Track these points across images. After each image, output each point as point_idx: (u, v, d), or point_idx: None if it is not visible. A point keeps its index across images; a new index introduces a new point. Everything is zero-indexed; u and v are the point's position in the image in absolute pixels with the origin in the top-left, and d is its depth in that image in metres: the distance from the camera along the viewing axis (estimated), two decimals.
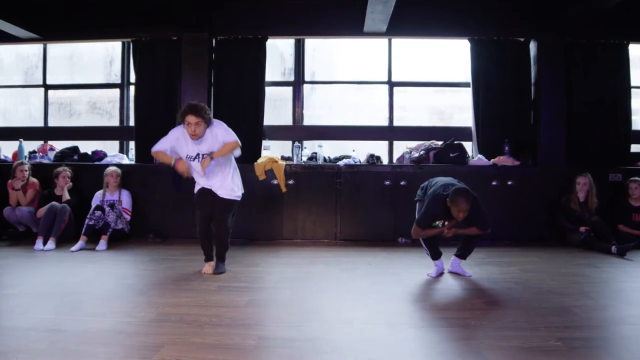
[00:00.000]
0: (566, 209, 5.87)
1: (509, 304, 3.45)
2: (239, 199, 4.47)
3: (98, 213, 5.66)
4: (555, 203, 6.01)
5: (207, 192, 4.37)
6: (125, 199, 6.06)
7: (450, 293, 3.78)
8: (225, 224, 4.39)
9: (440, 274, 4.29)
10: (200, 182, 4.41)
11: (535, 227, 6.12)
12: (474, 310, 3.30)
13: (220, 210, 4.36)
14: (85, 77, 7.18)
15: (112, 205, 5.75)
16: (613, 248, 5.21)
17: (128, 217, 6.03)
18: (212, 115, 4.32)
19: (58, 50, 7.19)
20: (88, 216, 5.63)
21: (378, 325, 2.97)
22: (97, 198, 6.01)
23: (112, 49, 7.09)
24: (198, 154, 4.24)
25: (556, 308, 3.33)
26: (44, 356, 2.42)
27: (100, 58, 7.17)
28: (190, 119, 4.07)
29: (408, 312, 3.29)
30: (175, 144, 4.27)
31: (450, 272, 4.35)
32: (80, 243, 5.45)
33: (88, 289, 3.77)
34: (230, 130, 4.28)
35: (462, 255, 4.35)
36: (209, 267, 4.40)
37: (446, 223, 4.11)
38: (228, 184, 4.38)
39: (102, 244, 5.52)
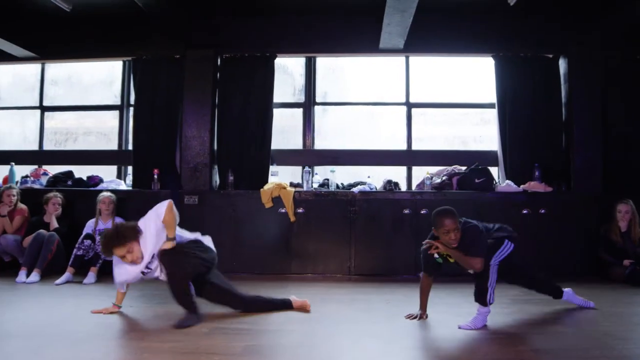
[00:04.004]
0: (607, 240, 5.28)
1: (563, 354, 2.81)
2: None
3: (88, 242, 5.17)
4: (594, 233, 5.43)
5: None
6: None
7: (489, 340, 3.13)
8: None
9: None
10: None
11: (572, 260, 5.50)
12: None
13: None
14: (85, 99, 6.79)
15: None
16: None
17: None
18: (138, 225, 3.54)
19: (56, 70, 6.84)
20: (77, 246, 5.15)
21: None
22: (88, 227, 5.49)
23: (113, 69, 6.72)
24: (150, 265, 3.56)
25: (623, 357, 2.70)
26: None
27: (100, 79, 6.79)
28: (120, 252, 3.44)
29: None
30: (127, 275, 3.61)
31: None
32: (66, 275, 4.96)
33: (58, 329, 3.21)
34: (150, 215, 3.54)
35: (477, 299, 3.44)
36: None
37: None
38: None
39: (91, 276, 5.00)
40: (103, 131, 6.80)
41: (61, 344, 2.86)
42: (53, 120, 6.87)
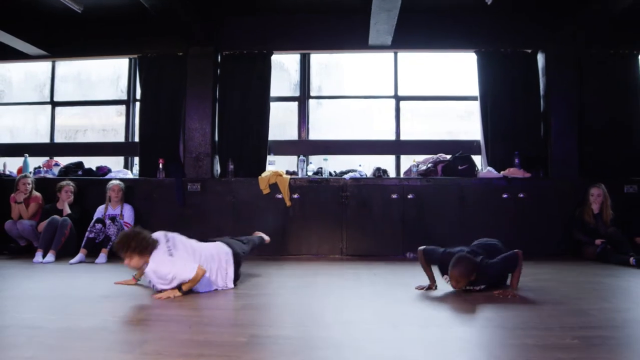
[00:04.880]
0: (581, 222, 5.66)
1: (520, 308, 3.23)
2: None
3: (99, 226, 5.58)
4: (569, 216, 5.81)
5: None
6: (128, 213, 5.95)
7: (460, 298, 3.54)
8: None
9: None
10: None
11: (548, 240, 5.89)
12: (483, 312, 3.10)
13: None
14: (93, 95, 7.20)
15: (113, 219, 5.67)
16: (631, 260, 4.96)
17: None
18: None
19: (66, 68, 7.25)
20: (88, 229, 5.56)
21: (381, 324, 2.78)
22: (99, 212, 5.91)
23: (119, 66, 7.13)
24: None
25: (572, 310, 3.11)
26: (18, 349, 2.28)
27: (107, 76, 7.20)
28: (120, 253, 3.63)
29: (414, 313, 3.08)
30: None
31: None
32: (79, 256, 5.35)
33: (79, 293, 3.64)
34: (176, 259, 3.62)
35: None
36: None
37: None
38: None
39: (102, 256, 5.41)
40: (108, 127, 7.19)
41: (83, 302, 3.29)
42: (62, 115, 7.26)
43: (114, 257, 5.38)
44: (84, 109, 7.26)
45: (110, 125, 7.18)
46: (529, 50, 6.46)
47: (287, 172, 6.25)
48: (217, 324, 2.78)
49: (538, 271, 4.71)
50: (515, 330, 2.65)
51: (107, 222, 5.61)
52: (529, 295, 3.60)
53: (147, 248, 3.54)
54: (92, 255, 5.39)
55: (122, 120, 7.07)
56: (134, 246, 3.51)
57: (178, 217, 6.04)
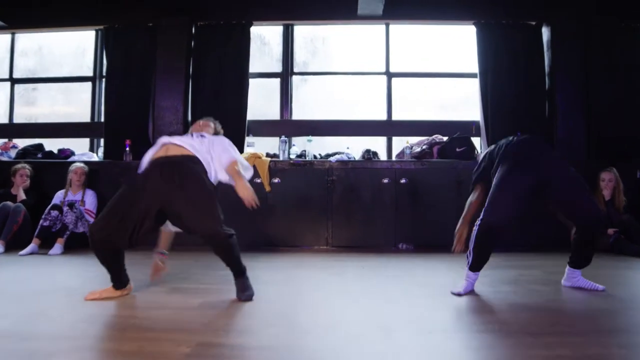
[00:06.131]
0: None
1: (544, 308, 2.65)
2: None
3: (54, 213, 4.98)
4: None
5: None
6: (90, 200, 5.35)
7: (469, 295, 2.99)
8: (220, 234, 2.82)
9: (470, 291, 3.03)
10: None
11: (556, 230, 5.33)
12: (496, 313, 2.56)
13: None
14: (56, 71, 6.57)
15: (71, 205, 5.06)
16: None
17: (91, 220, 5.28)
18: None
19: (26, 42, 6.60)
20: (43, 216, 4.96)
21: (369, 329, 2.23)
22: (57, 198, 5.32)
23: (85, 39, 6.48)
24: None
25: (606, 310, 2.57)
26: None
27: (71, 51, 6.56)
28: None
29: (409, 315, 2.51)
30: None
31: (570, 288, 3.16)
32: (31, 246, 4.76)
33: (7, 288, 3.05)
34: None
35: (578, 263, 3.14)
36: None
37: None
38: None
39: (57, 247, 4.81)
40: (74, 104, 6.57)
41: (27, 299, 2.70)
42: (25, 94, 6.64)
43: (71, 248, 4.83)
44: (47, 86, 6.62)
45: (74, 102, 6.55)
46: (533, 23, 5.89)
47: (268, 155, 5.67)
48: (159, 328, 2.20)
49: (548, 263, 4.19)
50: (544, 337, 2.09)
51: (65, 208, 5.01)
52: (545, 291, 3.06)
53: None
54: (47, 246, 4.79)
55: (88, 97, 6.43)
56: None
57: None
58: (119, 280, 2.86)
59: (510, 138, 3.27)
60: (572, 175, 3.03)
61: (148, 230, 2.76)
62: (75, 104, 6.55)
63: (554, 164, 3.07)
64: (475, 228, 3.00)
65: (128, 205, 2.70)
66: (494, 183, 3.04)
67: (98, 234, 2.65)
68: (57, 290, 3.06)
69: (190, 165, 2.86)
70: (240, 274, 2.86)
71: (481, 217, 2.97)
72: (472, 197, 3.33)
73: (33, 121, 6.57)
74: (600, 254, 4.72)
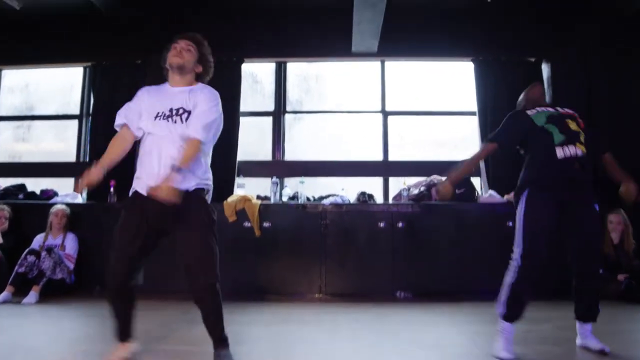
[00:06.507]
0: None
1: None
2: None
3: (31, 258, 4.72)
4: None
5: (146, 203, 2.43)
6: (70, 244, 5.08)
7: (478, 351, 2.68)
8: (210, 269, 2.45)
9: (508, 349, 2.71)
10: (143, 176, 2.52)
11: (561, 276, 5.05)
12: None
13: (190, 234, 2.46)
14: (43, 109, 6.40)
15: (50, 250, 4.80)
16: None
17: (71, 266, 5.01)
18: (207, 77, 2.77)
19: (13, 78, 6.46)
20: (19, 262, 4.70)
21: None
22: (36, 242, 5.05)
23: (73, 76, 6.34)
24: (171, 110, 2.53)
25: None
26: None
27: (59, 87, 6.40)
28: (181, 41, 2.66)
29: None
30: (138, 104, 2.63)
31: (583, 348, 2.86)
32: (4, 294, 4.49)
33: None
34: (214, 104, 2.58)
35: (583, 315, 2.86)
36: (122, 351, 2.54)
37: None
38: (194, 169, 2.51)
39: (32, 295, 4.50)
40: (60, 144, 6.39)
41: None
42: (7, 131, 6.45)
43: (49, 297, 4.53)
44: (32, 123, 6.45)
45: (60, 141, 6.36)
46: (533, 59, 5.75)
47: (258, 197, 5.42)
48: None
49: (555, 315, 3.88)
50: None
51: (43, 253, 4.74)
52: (558, 353, 2.76)
53: (207, 73, 2.74)
54: (22, 293, 4.48)
55: (74, 136, 6.23)
56: (205, 54, 2.71)
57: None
58: (129, 331, 2.55)
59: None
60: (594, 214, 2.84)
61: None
62: (65, 141, 6.36)
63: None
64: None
65: (132, 237, 2.44)
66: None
67: (114, 281, 2.43)
68: (15, 350, 2.75)
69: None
70: (221, 343, 2.50)
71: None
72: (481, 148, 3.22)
73: (18, 159, 6.38)
74: (612, 302, 4.44)
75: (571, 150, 2.81)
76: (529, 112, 3.03)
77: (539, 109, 3.04)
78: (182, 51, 2.62)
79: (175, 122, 2.50)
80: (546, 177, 2.85)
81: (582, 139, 2.87)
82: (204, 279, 2.41)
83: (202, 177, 2.56)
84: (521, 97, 3.31)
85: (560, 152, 2.80)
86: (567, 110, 3.06)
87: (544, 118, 2.95)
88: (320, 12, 5.62)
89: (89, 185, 2.56)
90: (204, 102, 2.55)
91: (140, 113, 2.60)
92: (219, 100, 2.63)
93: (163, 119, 2.51)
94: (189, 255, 2.44)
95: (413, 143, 6.06)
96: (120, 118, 2.66)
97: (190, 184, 2.48)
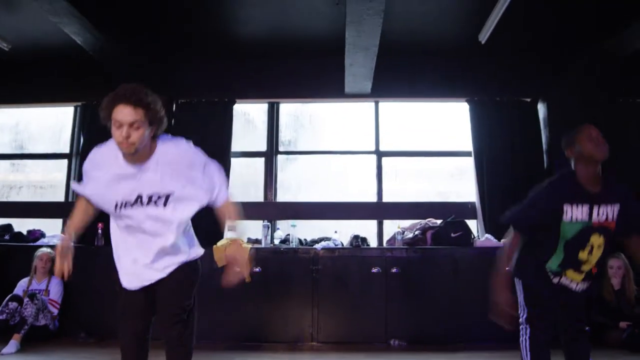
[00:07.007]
0: (599, 300, 4.70)
1: None
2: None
3: (13, 305, 4.58)
4: None
5: (139, 295, 2.43)
6: (54, 289, 4.93)
7: None
8: (185, 335, 2.37)
9: None
10: (126, 265, 2.43)
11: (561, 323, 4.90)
12: None
13: (170, 302, 2.36)
14: (32, 148, 6.33)
15: (32, 296, 4.64)
16: None
17: (55, 311, 4.86)
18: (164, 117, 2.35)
19: (3, 117, 6.41)
20: (0, 309, 4.53)
21: None
22: (20, 287, 4.91)
23: (64, 116, 6.28)
24: (140, 197, 2.29)
25: None
26: None
27: (49, 126, 6.34)
28: (122, 112, 2.13)
29: None
30: (96, 182, 2.35)
31: None
32: None
33: None
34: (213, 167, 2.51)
35: None
36: None
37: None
38: (180, 247, 2.44)
39: (12, 344, 4.29)
40: (46, 184, 6.29)
41: None
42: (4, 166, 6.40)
43: (32, 345, 4.36)
44: (20, 163, 6.37)
45: (48, 182, 6.26)
46: (529, 99, 5.70)
47: (249, 240, 5.29)
48: None
49: None
50: None
51: (25, 300, 4.58)
52: None
53: (162, 123, 2.26)
54: (3, 341, 4.29)
55: (63, 176, 6.14)
56: (153, 110, 2.19)
57: (113, 293, 4.92)
58: None
59: None
60: None
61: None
62: (56, 181, 6.26)
63: None
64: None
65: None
66: None
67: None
68: None
69: None
70: None
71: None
72: (510, 240, 2.76)
73: (5, 198, 6.26)
74: (613, 351, 4.31)
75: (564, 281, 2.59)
76: (566, 206, 2.45)
77: (577, 208, 2.47)
78: (129, 135, 2.14)
79: (151, 206, 2.32)
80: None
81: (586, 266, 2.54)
82: (174, 309, 2.33)
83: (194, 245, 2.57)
84: (571, 137, 2.63)
85: (555, 279, 2.61)
86: (605, 216, 2.50)
87: (574, 231, 2.48)
88: (313, 54, 5.57)
89: (69, 265, 2.38)
90: (197, 168, 2.44)
91: (102, 196, 2.37)
92: (200, 152, 2.47)
93: (134, 205, 2.31)
94: (165, 297, 2.38)
95: (407, 182, 5.96)
96: (79, 188, 2.47)
97: (183, 258, 2.47)
